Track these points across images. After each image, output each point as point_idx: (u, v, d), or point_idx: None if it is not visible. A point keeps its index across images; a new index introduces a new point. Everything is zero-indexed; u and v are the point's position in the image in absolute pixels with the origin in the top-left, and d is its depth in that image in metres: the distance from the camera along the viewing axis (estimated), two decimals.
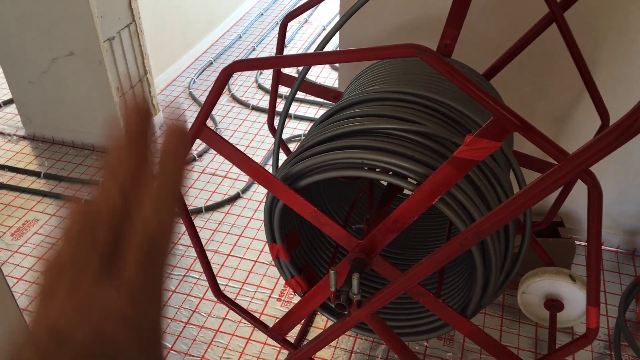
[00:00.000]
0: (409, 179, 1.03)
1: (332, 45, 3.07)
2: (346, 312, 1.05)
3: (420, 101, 1.13)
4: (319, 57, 0.91)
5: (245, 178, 2.24)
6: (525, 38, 1.31)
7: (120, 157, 0.28)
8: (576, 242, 1.83)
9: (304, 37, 3.30)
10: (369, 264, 1.08)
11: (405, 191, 1.39)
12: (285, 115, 1.26)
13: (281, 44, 1.37)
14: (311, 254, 1.33)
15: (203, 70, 3.01)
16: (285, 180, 1.10)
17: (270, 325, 1.52)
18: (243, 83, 2.89)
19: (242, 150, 2.39)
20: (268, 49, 3.22)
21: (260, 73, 2.98)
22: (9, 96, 2.67)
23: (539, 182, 0.74)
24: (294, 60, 0.92)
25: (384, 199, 1.25)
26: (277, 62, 0.92)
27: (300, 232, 1.31)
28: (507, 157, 1.17)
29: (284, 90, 2.67)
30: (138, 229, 0.27)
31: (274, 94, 1.42)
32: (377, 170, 1.07)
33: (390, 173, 1.06)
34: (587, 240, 0.91)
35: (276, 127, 1.48)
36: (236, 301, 1.73)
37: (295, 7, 1.28)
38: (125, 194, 0.27)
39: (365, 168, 1.06)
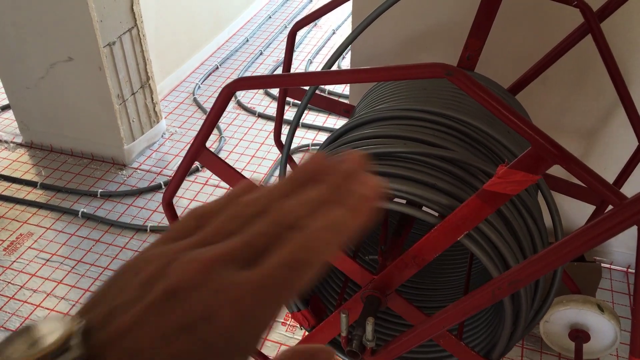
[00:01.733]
0: (429, 210, 0.92)
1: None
2: (359, 359, 0.94)
3: (443, 121, 1.03)
4: (332, 76, 0.80)
5: None
6: (557, 50, 1.20)
7: (320, 163, 0.26)
8: (602, 265, 1.72)
9: (312, 41, 3.20)
10: (384, 302, 0.97)
11: None
12: (293, 133, 1.15)
13: (289, 54, 1.27)
14: (319, 284, 1.23)
15: (208, 75, 2.92)
16: None
17: (274, 353, 1.41)
18: (249, 89, 2.78)
19: (248, 160, 2.30)
20: (276, 53, 3.12)
21: None
22: (6, 102, 2.58)
23: (588, 230, 0.63)
24: (301, 79, 0.82)
25: (400, 226, 1.14)
26: (284, 81, 0.82)
27: None
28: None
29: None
30: (303, 235, 0.24)
31: (280, 107, 1.32)
32: (394, 200, 0.97)
33: (409, 202, 0.95)
34: (635, 282, 0.80)
35: (283, 141, 1.38)
36: None
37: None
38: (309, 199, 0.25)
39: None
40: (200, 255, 0.23)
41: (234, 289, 0.22)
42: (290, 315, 1.66)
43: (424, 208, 0.95)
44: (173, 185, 1.00)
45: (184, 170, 0.97)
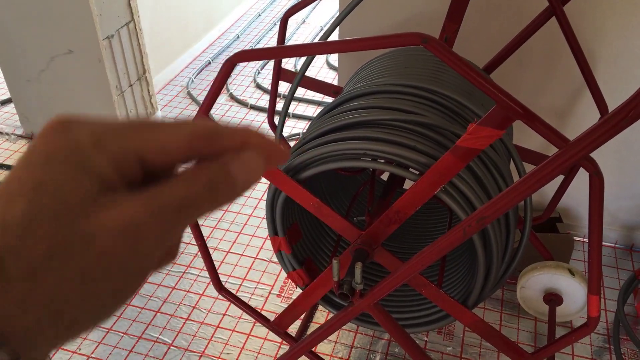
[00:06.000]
0: (410, 169, 1.04)
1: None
2: (349, 302, 1.05)
3: (422, 93, 1.14)
4: (322, 46, 0.92)
5: None
6: (525, 32, 1.32)
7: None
8: (574, 238, 1.84)
9: (301, 37, 3.31)
10: (371, 255, 1.08)
11: (407, 184, 1.40)
12: (287, 110, 1.26)
13: (282, 39, 1.38)
14: (313, 248, 1.33)
15: (201, 70, 3.02)
16: (287, 172, 1.10)
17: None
18: (241, 82, 2.89)
19: None
20: None
21: (259, 72, 2.98)
22: (7, 95, 2.67)
23: (540, 168, 0.75)
24: (298, 50, 0.93)
25: (385, 191, 1.25)
26: (281, 52, 0.92)
27: (301, 225, 1.31)
28: (508, 148, 1.18)
29: (282, 89, 2.68)
30: (210, 169, 0.25)
31: (274, 90, 1.43)
32: (379, 160, 1.08)
33: (392, 164, 1.06)
34: (588, 228, 0.92)
35: (276, 123, 1.49)
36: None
37: (296, 3, 1.29)
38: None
39: (368, 159, 1.07)
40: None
41: (117, 213, 0.23)
42: (286, 279, 1.76)
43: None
44: None
45: None
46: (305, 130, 2.46)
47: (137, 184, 0.25)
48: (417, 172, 1.01)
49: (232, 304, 1.53)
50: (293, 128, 2.53)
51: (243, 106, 2.71)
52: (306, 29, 3.40)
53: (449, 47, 1.37)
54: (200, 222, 2.01)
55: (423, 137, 1.05)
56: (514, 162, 1.19)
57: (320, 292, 1.21)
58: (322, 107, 2.65)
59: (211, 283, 1.36)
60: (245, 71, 3.01)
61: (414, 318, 1.22)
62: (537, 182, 0.75)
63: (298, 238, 1.28)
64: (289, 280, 1.77)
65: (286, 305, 1.70)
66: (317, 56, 3.11)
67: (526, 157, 1.44)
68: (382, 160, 1.06)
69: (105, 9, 2.07)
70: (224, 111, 2.67)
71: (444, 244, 0.87)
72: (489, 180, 1.06)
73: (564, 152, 0.73)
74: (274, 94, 1.47)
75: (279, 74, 1.41)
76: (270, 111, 1.54)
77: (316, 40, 3.26)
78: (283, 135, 1.42)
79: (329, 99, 2.31)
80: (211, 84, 0.95)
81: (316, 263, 1.32)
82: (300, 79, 1.17)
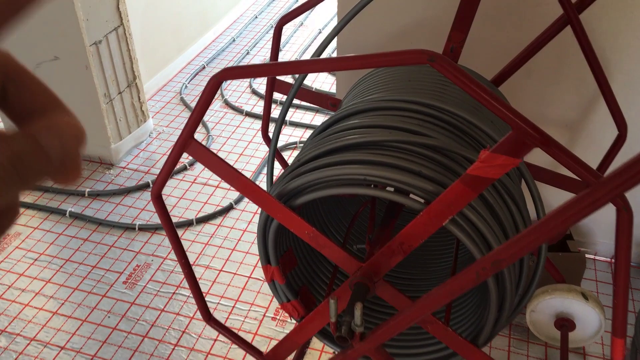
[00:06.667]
0: (416, 197, 0.94)
1: (330, 49, 2.99)
2: (348, 345, 0.95)
3: (426, 110, 1.04)
4: (317, 64, 0.82)
5: None
6: (538, 42, 1.23)
7: None
8: (586, 256, 1.75)
9: (299, 40, 3.21)
10: (372, 290, 0.99)
11: None
12: (281, 125, 1.17)
13: (276, 48, 1.28)
14: (308, 275, 1.24)
15: (195, 75, 2.92)
16: (280, 198, 1.01)
17: (265, 348, 1.42)
18: (236, 88, 2.79)
19: (236, 158, 2.31)
20: (263, 53, 3.13)
21: (254, 78, 2.89)
22: None
23: (566, 208, 0.65)
24: (290, 67, 0.83)
25: (387, 215, 1.16)
26: (270, 69, 0.83)
27: (296, 251, 1.22)
28: (519, 169, 1.08)
29: (278, 94, 2.57)
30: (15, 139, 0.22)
31: (268, 102, 1.33)
32: (381, 187, 0.98)
33: (395, 190, 0.97)
34: (615, 265, 0.82)
35: (271, 136, 1.39)
36: (229, 320, 1.64)
37: (291, 9, 1.19)
38: None
39: (369, 185, 0.97)
40: None
41: None
42: (280, 307, 1.67)
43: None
44: (161, 177, 1.01)
45: (173, 162, 0.98)
46: (299, 144, 2.37)
47: None
48: (423, 201, 0.92)
49: (223, 324, 1.44)
50: (289, 137, 2.43)
51: (238, 113, 2.61)
52: (304, 31, 3.30)
53: (457, 64, 1.27)
54: (191, 238, 1.92)
55: (429, 160, 0.95)
56: (527, 186, 1.09)
57: (317, 326, 1.11)
58: (320, 116, 2.56)
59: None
60: None
61: (418, 355, 1.12)
62: (562, 224, 0.66)
63: (293, 265, 1.19)
64: None
65: (281, 330, 1.61)
66: None
67: (538, 175, 1.34)
68: (385, 188, 0.96)
69: (93, 13, 1.98)
70: (218, 118, 2.57)
71: (455, 287, 0.77)
72: (501, 208, 0.97)
73: (594, 191, 0.63)
74: (267, 106, 1.37)
75: (273, 86, 1.31)
76: (264, 123, 1.45)
77: (315, 44, 3.16)
78: (278, 149, 1.32)
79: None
80: (195, 103, 0.85)
81: (312, 292, 1.23)
82: (294, 95, 1.07)
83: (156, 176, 1.02)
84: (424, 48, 1.55)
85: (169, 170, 1.00)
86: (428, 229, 0.89)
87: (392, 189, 0.95)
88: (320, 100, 1.37)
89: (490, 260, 0.73)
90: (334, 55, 2.69)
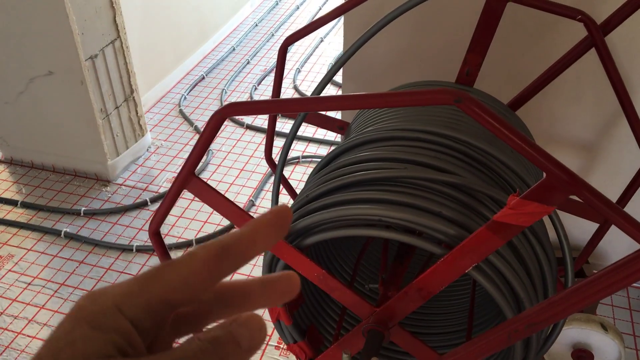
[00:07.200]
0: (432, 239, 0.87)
1: (331, 57, 2.91)
2: None
3: (443, 141, 0.97)
4: (329, 102, 0.75)
5: (240, 205, 2.07)
6: (559, 65, 1.16)
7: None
8: None
9: (300, 49, 3.14)
10: (386, 337, 0.92)
11: None
12: (286, 154, 1.10)
13: (280, 70, 1.21)
14: (316, 312, 1.17)
15: (195, 86, 2.85)
16: (287, 238, 0.94)
17: None
18: (237, 98, 2.72)
19: (237, 174, 2.24)
20: (263, 62, 3.06)
21: (255, 88, 2.82)
22: None
23: (613, 272, 0.58)
24: (300, 105, 0.76)
25: (401, 251, 1.09)
26: (279, 107, 0.76)
27: (303, 287, 1.15)
28: None
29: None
30: (215, 330, 0.27)
31: (271, 127, 1.26)
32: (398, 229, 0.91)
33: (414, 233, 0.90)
34: None
35: (275, 160, 1.32)
36: None
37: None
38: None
39: (383, 227, 0.90)
40: None
41: None
42: (286, 348, 1.60)
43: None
44: (160, 215, 0.94)
45: (172, 200, 0.91)
46: (301, 159, 2.30)
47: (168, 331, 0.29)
48: (442, 245, 0.85)
49: None
50: (292, 151, 2.36)
51: (239, 126, 2.55)
52: (305, 40, 3.23)
53: (467, 87, 1.20)
54: None
55: (450, 199, 0.88)
56: (550, 218, 1.02)
57: None
58: (323, 131, 2.48)
59: None
60: (241, 87, 2.84)
61: None
62: (610, 287, 0.59)
63: (300, 303, 1.12)
64: None
65: (285, 359, 1.54)
66: (318, 72, 2.95)
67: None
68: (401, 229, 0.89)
69: (88, 27, 1.90)
70: (218, 131, 2.49)
71: (484, 348, 0.70)
72: (525, 248, 0.90)
73: None
74: (271, 129, 1.30)
75: (275, 119, 1.24)
76: (268, 147, 1.37)
77: (316, 52, 3.09)
78: (284, 175, 1.25)
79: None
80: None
81: (321, 330, 1.16)
82: (300, 123, 1.00)
83: (155, 193, 0.95)
84: (435, 65, 1.47)
85: (168, 207, 0.93)
86: (450, 276, 0.83)
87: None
88: (327, 123, 1.31)
89: (524, 322, 0.66)
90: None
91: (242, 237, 0.28)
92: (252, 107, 0.78)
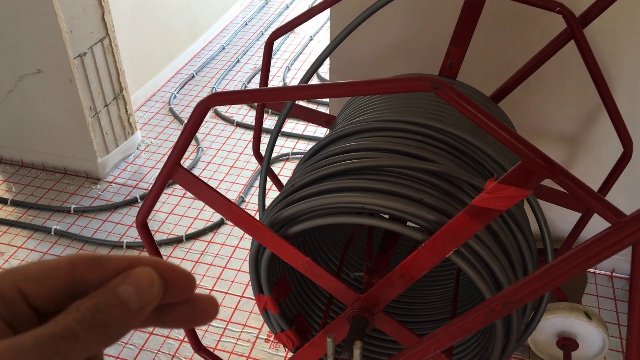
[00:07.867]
0: (416, 226, 0.89)
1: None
2: None
3: (426, 132, 0.99)
4: (311, 90, 0.77)
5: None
6: (540, 56, 1.18)
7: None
8: (587, 271, 1.71)
9: (290, 47, 3.16)
10: (371, 322, 0.94)
11: None
12: (273, 145, 1.11)
13: (267, 64, 1.23)
14: (303, 302, 1.18)
15: (184, 84, 2.86)
16: (273, 227, 0.95)
17: None
18: None
19: (227, 171, 2.25)
20: (253, 61, 3.07)
21: (245, 86, 2.83)
22: None
23: (587, 248, 0.60)
24: (282, 94, 0.78)
25: (385, 240, 1.11)
26: (261, 96, 0.78)
27: (290, 277, 1.16)
28: None
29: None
30: (96, 294, 0.25)
31: (258, 120, 1.28)
32: (381, 216, 0.93)
33: (394, 218, 0.92)
34: (629, 303, 0.77)
35: (262, 154, 1.33)
36: (220, 343, 1.58)
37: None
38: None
39: (367, 214, 0.92)
40: None
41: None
42: (274, 338, 1.61)
43: (409, 223, 0.92)
44: (146, 206, 0.95)
45: (158, 191, 0.93)
46: (290, 156, 2.32)
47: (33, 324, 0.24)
48: (424, 231, 0.87)
49: (214, 353, 1.38)
50: (281, 148, 2.37)
51: (229, 124, 2.56)
52: (295, 39, 3.25)
53: (451, 79, 1.22)
54: (180, 256, 1.86)
55: (431, 186, 0.90)
56: (531, 208, 1.04)
57: (312, 358, 1.06)
58: (313, 125, 2.51)
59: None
60: (231, 85, 2.86)
61: None
62: (580, 265, 0.61)
63: (286, 293, 1.13)
64: None
65: (275, 352, 1.55)
66: (304, 66, 2.96)
67: (539, 194, 1.30)
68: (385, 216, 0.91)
69: (77, 25, 1.91)
70: (208, 129, 2.51)
71: (462, 328, 0.72)
72: (505, 234, 0.92)
73: (615, 231, 0.58)
74: (258, 123, 1.32)
75: (263, 109, 1.26)
76: (256, 141, 1.39)
77: (306, 51, 3.11)
78: (271, 168, 1.27)
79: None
80: (181, 131, 0.80)
81: (308, 319, 1.17)
82: (287, 115, 1.02)
83: (145, 191, 0.96)
84: (419, 59, 1.49)
85: (155, 198, 0.95)
86: (431, 261, 0.84)
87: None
88: (313, 117, 1.32)
89: (501, 301, 0.68)
90: (326, 63, 2.64)
91: (124, 259, 0.27)
92: (235, 96, 0.80)
